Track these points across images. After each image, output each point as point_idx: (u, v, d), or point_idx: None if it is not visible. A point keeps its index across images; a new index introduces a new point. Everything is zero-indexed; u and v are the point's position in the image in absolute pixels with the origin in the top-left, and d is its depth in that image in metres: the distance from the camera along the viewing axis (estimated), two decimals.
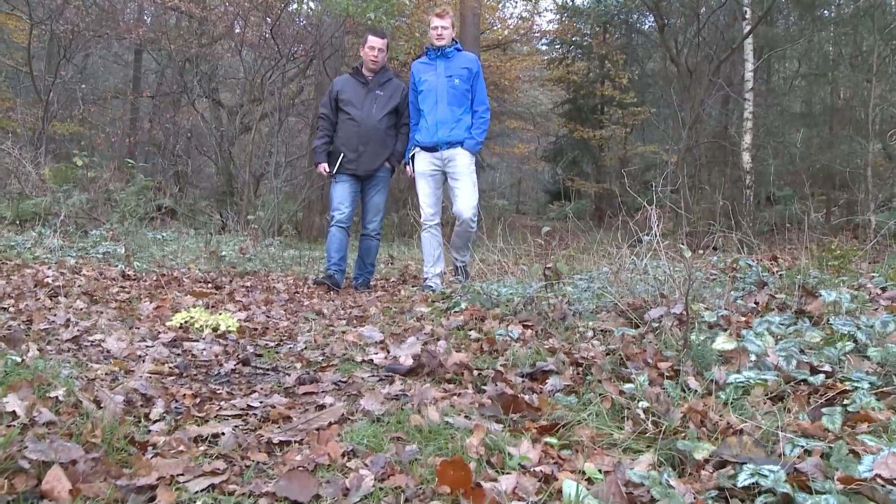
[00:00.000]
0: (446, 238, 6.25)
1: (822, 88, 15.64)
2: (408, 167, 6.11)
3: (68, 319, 3.32)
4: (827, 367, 2.26)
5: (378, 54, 6.03)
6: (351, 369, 2.73)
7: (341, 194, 6.07)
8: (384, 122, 6.02)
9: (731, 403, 2.08)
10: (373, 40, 6.06)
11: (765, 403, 2.05)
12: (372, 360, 2.84)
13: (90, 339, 3.02)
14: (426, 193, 5.94)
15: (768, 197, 12.99)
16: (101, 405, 1.98)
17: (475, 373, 2.57)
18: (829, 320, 2.76)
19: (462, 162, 5.82)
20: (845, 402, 2.01)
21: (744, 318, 2.94)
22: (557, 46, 24.32)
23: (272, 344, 3.28)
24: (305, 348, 3.15)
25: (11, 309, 3.49)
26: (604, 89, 22.62)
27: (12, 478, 1.51)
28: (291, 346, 3.23)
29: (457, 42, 6.03)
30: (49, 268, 5.12)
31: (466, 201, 5.76)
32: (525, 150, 26.75)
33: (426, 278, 6.02)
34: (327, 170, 6.03)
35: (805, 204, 9.21)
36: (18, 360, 2.37)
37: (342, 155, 5.97)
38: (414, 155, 6.01)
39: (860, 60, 13.72)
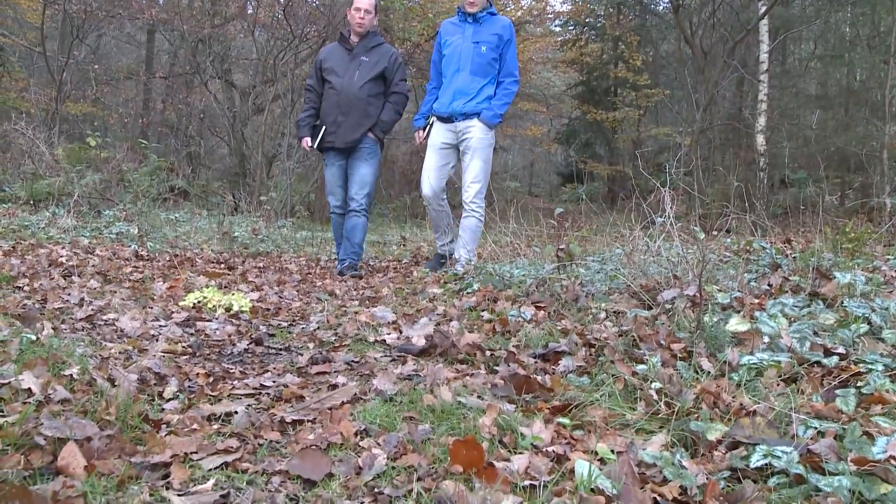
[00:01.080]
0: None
1: (838, 70, 15.49)
2: (419, 133, 5.76)
3: (82, 299, 3.34)
4: (841, 350, 2.25)
5: (364, 17, 5.62)
6: (363, 349, 2.74)
7: (332, 178, 5.79)
8: (366, 89, 5.57)
9: (745, 385, 2.07)
10: (358, 1, 5.63)
11: (778, 385, 2.04)
12: (384, 341, 2.85)
13: (104, 318, 3.03)
14: (429, 167, 5.58)
15: (782, 180, 12.92)
16: (115, 383, 2.00)
17: (487, 353, 2.57)
18: (843, 302, 2.74)
19: (477, 135, 5.39)
20: (859, 384, 2.00)
21: (757, 301, 2.92)
22: (571, 28, 24.14)
23: (285, 324, 3.29)
24: (318, 328, 3.15)
25: (26, 288, 3.51)
26: (617, 71, 22.44)
27: (28, 454, 1.52)
28: (304, 326, 3.24)
29: (491, 5, 5.54)
30: (63, 247, 5.14)
31: (470, 180, 5.41)
32: (538, 132, 26.63)
33: (441, 245, 5.86)
34: (309, 144, 5.72)
35: (819, 187, 9.14)
36: (33, 338, 2.38)
37: (324, 129, 5.65)
38: (432, 122, 5.63)
39: (878, 41, 13.56)
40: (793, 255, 4.04)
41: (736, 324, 2.44)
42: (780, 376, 2.10)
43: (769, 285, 3.30)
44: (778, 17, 14.04)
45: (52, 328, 2.62)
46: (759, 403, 1.89)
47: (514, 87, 5.48)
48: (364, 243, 5.88)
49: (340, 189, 5.78)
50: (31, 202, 7.91)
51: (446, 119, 5.52)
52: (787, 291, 3.13)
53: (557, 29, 24.89)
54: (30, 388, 1.83)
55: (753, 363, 2.18)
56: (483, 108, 5.40)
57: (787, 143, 11.36)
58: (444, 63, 5.57)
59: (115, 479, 1.48)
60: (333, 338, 2.95)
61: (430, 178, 5.58)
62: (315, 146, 5.70)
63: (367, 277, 5.24)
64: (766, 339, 2.36)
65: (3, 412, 1.70)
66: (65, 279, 3.88)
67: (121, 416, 1.77)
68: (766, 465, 1.55)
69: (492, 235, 6.17)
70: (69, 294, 3.41)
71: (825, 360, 2.18)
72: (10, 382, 1.84)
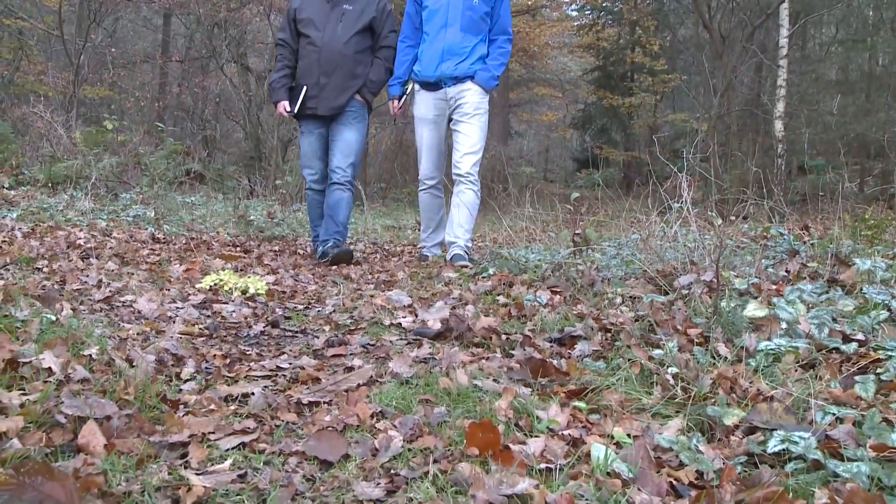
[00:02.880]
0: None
1: (860, 55, 15.34)
2: (393, 102, 5.05)
3: (100, 280, 3.36)
4: (860, 336, 2.24)
5: None
6: (379, 332, 2.74)
7: (310, 149, 5.03)
8: (353, 44, 4.83)
9: (762, 371, 2.06)
10: None
11: (796, 371, 2.04)
12: (400, 324, 2.85)
13: (122, 299, 3.05)
14: (427, 145, 4.92)
15: (800, 166, 12.82)
16: (134, 364, 2.01)
17: (503, 337, 2.57)
18: (862, 289, 2.72)
19: (471, 99, 4.73)
20: (878, 370, 1.98)
21: (775, 287, 2.91)
22: (587, 12, 24.05)
23: (301, 307, 3.30)
24: (334, 311, 3.16)
25: (45, 269, 3.54)
26: (634, 56, 22.32)
27: (50, 432, 1.54)
28: (320, 309, 3.25)
29: None
30: (81, 230, 5.17)
31: (466, 150, 4.74)
32: (553, 117, 26.59)
33: (423, 246, 5.17)
34: (288, 108, 4.92)
35: (838, 173, 9.07)
36: (53, 318, 2.40)
37: (303, 89, 4.86)
38: (407, 89, 4.99)
39: None
40: (811, 242, 4.02)
41: (753, 309, 2.43)
42: (797, 362, 2.09)
43: (787, 272, 3.28)
44: (798, 1, 13.92)
45: (72, 309, 2.64)
46: (776, 389, 1.88)
47: (509, 45, 4.86)
48: (349, 223, 5.22)
49: (320, 161, 5.06)
50: (50, 185, 7.95)
51: (433, 85, 4.83)
52: (805, 278, 3.12)
53: (574, 13, 24.81)
54: (50, 368, 1.84)
55: (771, 349, 2.17)
56: (477, 69, 4.73)
57: (805, 129, 11.26)
58: (426, 17, 4.80)
59: (135, 457, 1.49)
60: (349, 321, 2.96)
61: (432, 157, 4.96)
62: (295, 111, 4.96)
63: (382, 261, 5.22)
64: (784, 325, 2.35)
65: (24, 391, 1.72)
66: (83, 261, 3.90)
67: (139, 396, 1.79)
68: (783, 450, 1.55)
69: (507, 220, 6.16)
70: (87, 276, 3.43)
71: (844, 347, 2.16)
72: (31, 361, 1.86)
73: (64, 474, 1.28)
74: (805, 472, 1.49)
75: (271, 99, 5.14)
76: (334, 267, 4.66)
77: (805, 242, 4.04)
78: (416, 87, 4.96)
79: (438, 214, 5.06)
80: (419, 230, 5.85)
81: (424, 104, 4.91)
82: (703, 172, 4.86)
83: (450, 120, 4.90)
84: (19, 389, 1.73)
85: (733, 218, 4.44)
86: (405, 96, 5.02)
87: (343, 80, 4.85)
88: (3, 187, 6.76)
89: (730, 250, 3.68)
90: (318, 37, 4.85)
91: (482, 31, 4.75)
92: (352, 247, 5.43)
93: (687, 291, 2.87)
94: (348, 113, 4.94)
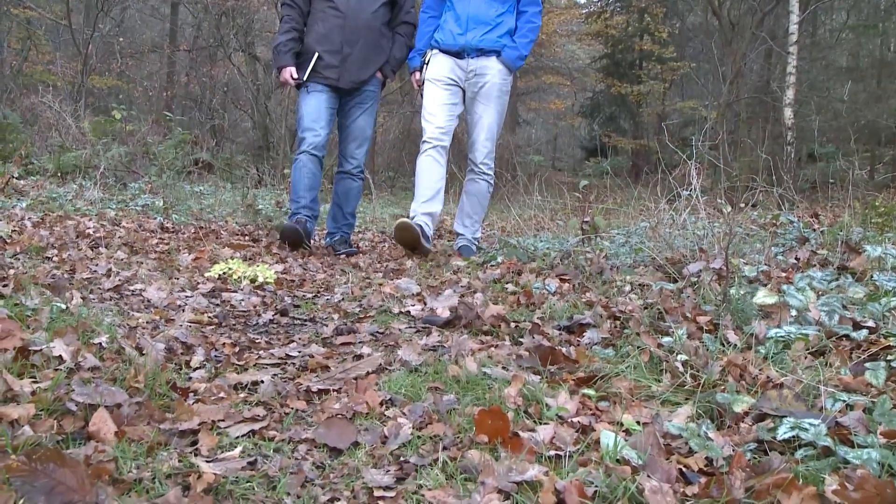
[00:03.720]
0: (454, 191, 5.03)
1: (871, 41, 15.23)
2: (416, 74, 4.64)
3: (110, 269, 3.37)
4: (870, 323, 2.23)
5: None
6: (388, 321, 2.75)
7: (315, 110, 4.50)
8: (379, 16, 4.48)
9: (772, 358, 2.05)
10: None
11: (806, 358, 2.03)
12: (409, 312, 2.85)
13: (131, 288, 3.06)
14: (436, 103, 4.42)
15: (810, 154, 12.76)
16: (144, 352, 2.02)
17: (512, 325, 2.57)
18: (872, 276, 2.71)
19: (493, 80, 4.39)
20: (889, 357, 1.97)
21: (784, 274, 2.90)
22: (595, 0, 23.90)
23: (309, 295, 3.30)
24: (342, 300, 3.17)
25: (55, 258, 3.55)
26: (643, 44, 22.23)
27: (61, 419, 1.55)
28: (329, 297, 3.25)
29: None
30: (90, 219, 5.19)
31: (483, 138, 4.44)
32: (561, 105, 26.52)
33: (413, 216, 4.44)
34: (295, 76, 4.48)
35: (849, 160, 9.02)
36: (63, 307, 2.41)
37: (316, 56, 4.44)
38: (429, 59, 4.52)
39: None
40: (821, 230, 4.00)
41: (763, 297, 2.43)
42: (807, 349, 2.08)
43: (797, 259, 3.27)
44: None
45: (81, 298, 2.65)
46: (786, 376, 1.88)
47: (539, 19, 4.46)
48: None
49: (323, 127, 4.52)
50: (59, 174, 7.98)
51: (455, 54, 4.45)
52: (814, 265, 3.10)
53: (582, 1, 24.66)
54: (61, 356, 1.85)
55: (781, 336, 2.16)
56: (505, 44, 4.36)
57: (815, 117, 11.21)
58: None
59: (145, 444, 1.50)
60: (358, 309, 2.96)
61: (438, 115, 4.43)
62: (304, 78, 4.49)
63: (390, 249, 5.20)
64: (794, 313, 2.34)
65: (35, 378, 1.72)
66: (92, 250, 3.91)
67: (149, 384, 1.80)
68: (793, 437, 1.54)
69: (515, 209, 6.15)
70: (97, 265, 3.44)
71: (854, 334, 2.15)
72: (41, 350, 1.87)
73: (75, 461, 1.29)
74: (815, 458, 1.48)
75: (275, 64, 4.63)
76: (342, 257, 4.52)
77: (815, 230, 4.02)
78: (435, 52, 4.52)
79: (437, 184, 4.46)
80: None
81: (440, 66, 4.46)
82: (712, 160, 4.83)
83: (464, 92, 4.52)
84: (30, 377, 1.74)
85: (743, 205, 4.42)
86: (425, 66, 4.56)
87: (368, 53, 4.48)
88: (13, 177, 6.78)
89: (739, 238, 3.67)
90: (343, 2, 4.44)
91: (510, 1, 4.39)
92: (360, 236, 5.38)
93: (696, 279, 2.86)
94: (365, 93, 4.59)
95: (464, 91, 4.50)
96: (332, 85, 4.50)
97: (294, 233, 4.45)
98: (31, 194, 6.38)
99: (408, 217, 4.41)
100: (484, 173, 4.53)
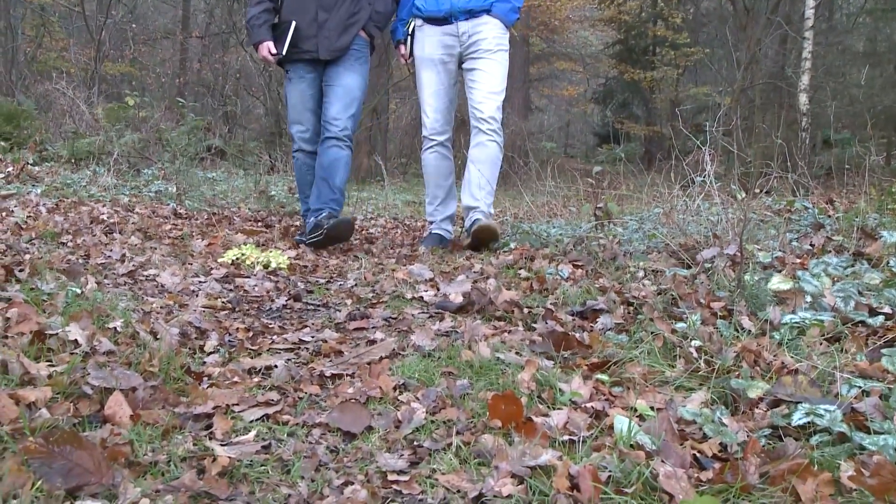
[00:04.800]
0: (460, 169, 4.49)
1: (889, 25, 15.06)
2: (402, 47, 4.26)
3: (124, 255, 3.38)
4: (887, 309, 2.21)
5: None
6: (401, 306, 2.75)
7: (301, 100, 4.19)
8: None
9: (786, 344, 2.04)
10: None
11: (821, 344, 2.02)
12: (422, 298, 2.85)
13: (145, 273, 3.08)
14: (432, 91, 4.12)
15: (825, 140, 12.66)
16: (158, 336, 2.03)
17: (525, 311, 2.57)
18: (888, 262, 2.69)
19: (489, 35, 4.00)
20: None
21: (799, 260, 2.88)
22: None
23: (322, 281, 3.31)
24: (355, 285, 3.17)
25: (70, 244, 3.57)
26: (656, 29, 22.07)
27: (77, 402, 1.56)
28: (341, 283, 3.26)
29: None
30: (104, 205, 5.21)
31: (488, 89, 4.00)
32: (574, 92, 26.40)
33: (431, 222, 4.31)
34: (273, 50, 4.09)
35: (865, 146, 8.95)
36: (78, 291, 2.43)
37: (292, 26, 4.05)
38: (413, 30, 4.18)
39: None
40: (836, 216, 3.97)
41: (778, 282, 2.41)
42: (823, 335, 2.07)
43: (811, 245, 3.25)
44: None
45: (96, 283, 2.66)
46: (801, 362, 1.87)
47: None
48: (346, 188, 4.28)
49: (312, 115, 4.21)
50: (73, 161, 8.01)
51: (441, 20, 4.06)
52: (830, 251, 3.08)
53: None
54: (76, 340, 1.86)
55: (795, 322, 2.15)
56: (493, 0, 4.00)
57: (831, 102, 11.10)
58: None
59: (160, 428, 1.51)
60: (371, 294, 2.96)
61: (439, 106, 4.14)
62: (283, 52, 4.11)
63: (404, 235, 5.20)
64: (809, 299, 2.33)
65: (52, 362, 1.74)
66: (106, 236, 3.93)
67: (164, 368, 1.81)
68: (808, 423, 1.54)
69: (528, 195, 6.13)
70: (111, 250, 3.46)
71: (870, 320, 2.14)
72: (57, 334, 1.88)
73: (92, 444, 1.30)
74: (831, 444, 1.47)
75: (251, 40, 4.29)
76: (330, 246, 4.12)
77: (830, 216, 3.99)
78: (419, 22, 4.15)
79: (448, 181, 4.27)
80: None
81: (429, 41, 4.10)
82: (726, 145, 4.80)
83: (461, 62, 4.15)
84: (47, 361, 1.75)
85: (757, 191, 4.39)
86: (409, 37, 4.22)
87: (346, 16, 4.07)
88: (28, 163, 6.82)
89: (753, 224, 3.65)
90: None
91: None
92: (372, 222, 5.18)
93: (710, 265, 2.85)
94: (350, 53, 4.13)
95: (460, 61, 4.14)
96: (313, 59, 4.11)
97: (340, 228, 4.01)
98: (46, 180, 6.41)
99: (430, 220, 4.31)
100: (494, 132, 4.03)
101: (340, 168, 4.09)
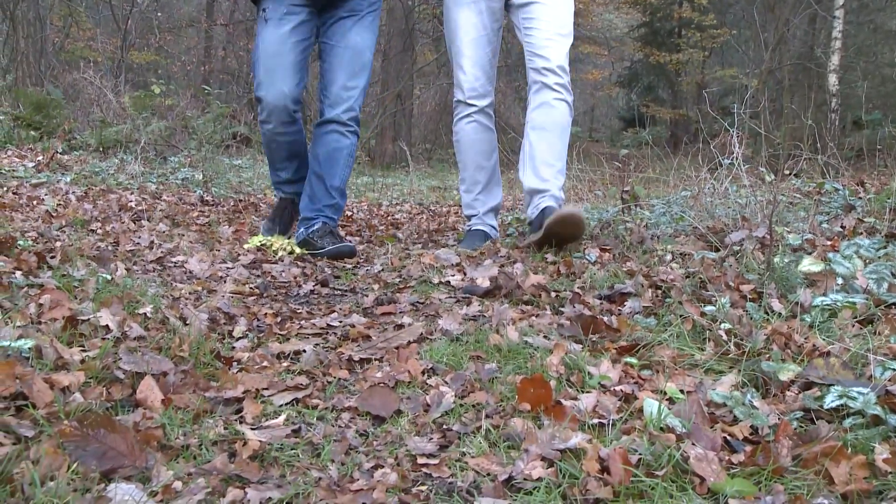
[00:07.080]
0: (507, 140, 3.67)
1: None
2: None
3: (152, 241, 3.41)
4: None
5: None
6: (428, 291, 2.75)
7: (281, 50, 3.08)
8: None
9: (817, 326, 2.02)
10: None
11: (853, 327, 1.99)
12: (449, 282, 2.85)
13: (173, 260, 3.10)
14: (471, 38, 3.15)
15: (855, 121, 12.48)
16: (187, 322, 2.04)
17: (553, 294, 2.56)
18: None
19: None
20: None
21: (829, 243, 2.84)
22: None
23: (349, 266, 3.31)
24: (382, 270, 3.17)
25: (99, 231, 3.61)
26: (682, 11, 21.81)
27: (109, 386, 1.57)
28: (368, 268, 3.26)
29: None
30: (132, 193, 5.25)
31: (554, 29, 3.04)
32: (599, 75, 26.20)
33: (470, 216, 3.52)
34: None
35: None
36: (108, 278, 2.45)
37: None
38: None
39: None
40: (867, 197, 3.91)
41: (809, 264, 2.38)
42: (855, 318, 2.05)
43: (842, 227, 3.21)
44: None
45: (126, 269, 2.69)
46: (833, 344, 1.85)
47: None
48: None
49: (294, 74, 3.12)
50: (101, 149, 8.07)
51: None
52: (861, 233, 3.04)
53: None
54: (107, 325, 1.88)
55: (827, 304, 2.12)
56: None
57: (862, 82, 10.92)
58: None
59: (191, 412, 1.52)
60: (398, 280, 2.97)
61: (477, 58, 3.18)
62: None
63: (429, 220, 5.19)
64: (841, 281, 2.30)
65: (84, 347, 1.76)
66: (135, 223, 3.96)
67: (193, 353, 1.82)
68: (840, 405, 1.52)
69: None
70: (139, 237, 3.49)
71: None
72: (89, 319, 1.90)
73: (125, 427, 1.31)
74: (864, 427, 1.46)
75: None
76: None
77: (861, 198, 3.94)
78: None
79: (491, 160, 3.40)
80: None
81: None
82: (754, 126, 4.75)
83: (504, 10, 3.24)
84: (79, 346, 1.77)
85: (786, 173, 4.34)
86: None
87: None
88: (57, 152, 6.88)
89: (783, 206, 3.61)
90: None
91: None
92: (397, 208, 5.00)
93: (739, 248, 2.82)
94: (357, 2, 3.10)
95: (504, 8, 3.23)
96: (306, 4, 3.10)
97: (337, 256, 3.23)
98: (75, 169, 6.47)
99: (471, 214, 3.49)
100: (563, 87, 3.11)
101: (341, 162, 3.26)
